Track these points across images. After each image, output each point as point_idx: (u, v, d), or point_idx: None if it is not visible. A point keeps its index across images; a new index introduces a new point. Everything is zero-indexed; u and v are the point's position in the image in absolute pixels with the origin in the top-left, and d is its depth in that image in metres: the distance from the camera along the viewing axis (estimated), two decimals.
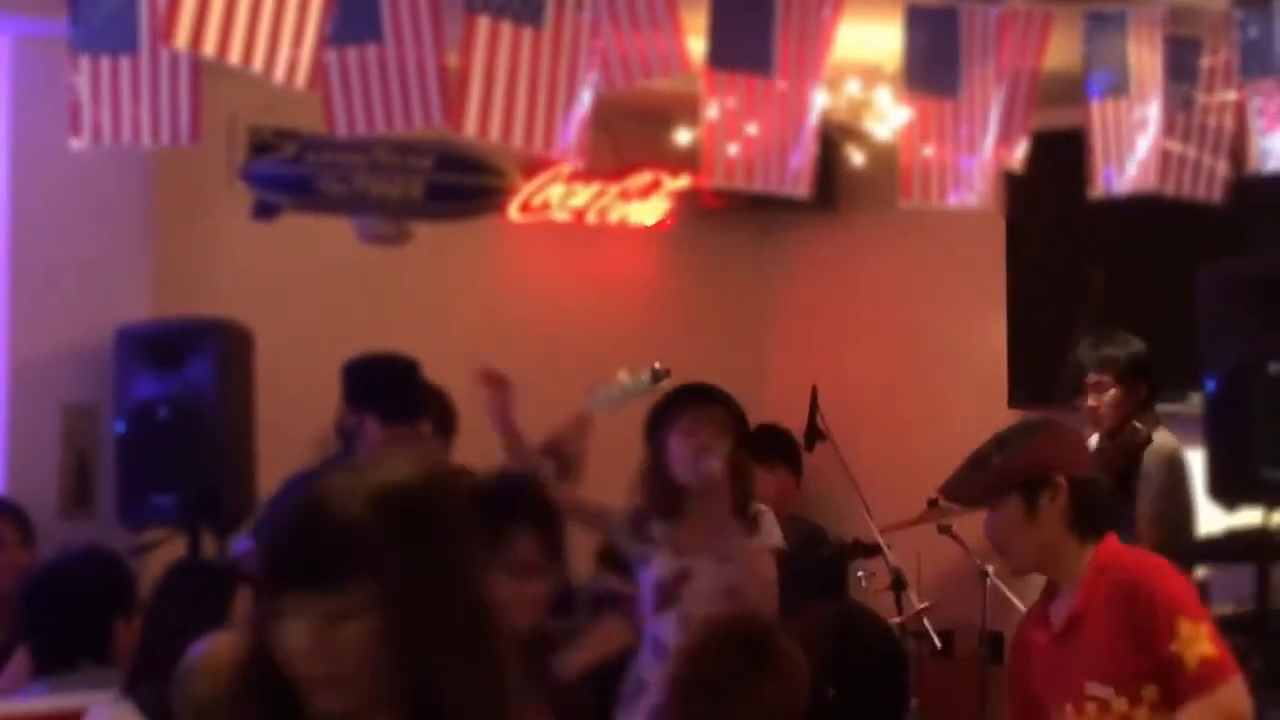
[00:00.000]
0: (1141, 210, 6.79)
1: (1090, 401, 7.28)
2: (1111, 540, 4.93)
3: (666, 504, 6.02)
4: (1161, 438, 7.18)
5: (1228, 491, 7.36)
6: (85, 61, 5.11)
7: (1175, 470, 7.12)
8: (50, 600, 5.31)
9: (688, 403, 6.04)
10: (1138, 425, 7.17)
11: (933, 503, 7.74)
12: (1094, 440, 7.20)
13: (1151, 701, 4.75)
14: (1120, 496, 6.83)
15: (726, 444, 5.91)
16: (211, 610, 4.61)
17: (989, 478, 4.90)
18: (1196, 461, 7.40)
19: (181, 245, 7.88)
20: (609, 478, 6.54)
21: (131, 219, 7.62)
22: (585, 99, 4.89)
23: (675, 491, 5.98)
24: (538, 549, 4.61)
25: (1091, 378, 7.29)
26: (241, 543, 6.80)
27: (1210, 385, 7.38)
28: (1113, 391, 7.22)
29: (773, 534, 5.98)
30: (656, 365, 6.70)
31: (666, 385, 6.62)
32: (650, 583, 6.02)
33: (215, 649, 4.00)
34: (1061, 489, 4.86)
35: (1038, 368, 8.41)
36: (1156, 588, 4.80)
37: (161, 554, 7.11)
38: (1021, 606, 7.08)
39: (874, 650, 4.49)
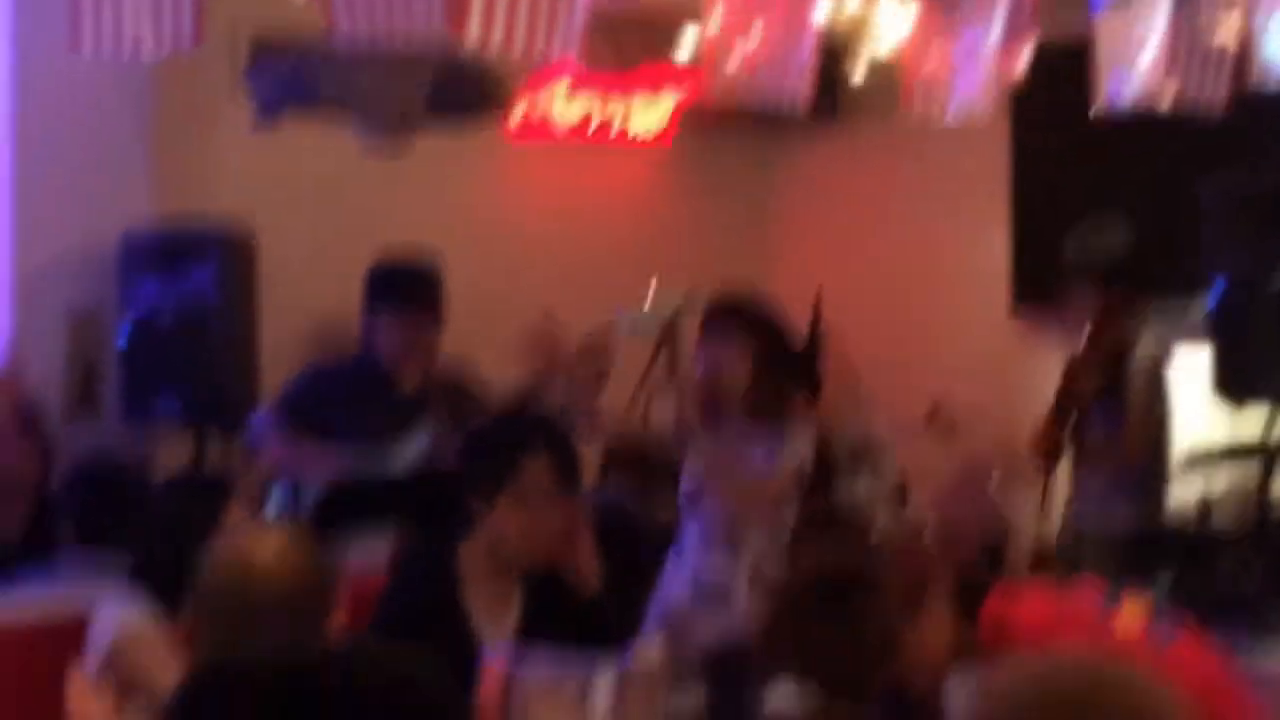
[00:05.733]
0: (1146, 121, 6.79)
1: (1073, 304, 7.26)
2: None
3: (704, 417, 5.86)
4: (1145, 347, 7.15)
5: (1234, 389, 7.37)
6: None
7: (1154, 386, 7.12)
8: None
9: (710, 318, 5.88)
10: (1126, 325, 7.13)
11: (931, 414, 7.74)
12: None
13: None
14: (1110, 403, 6.87)
15: (745, 360, 5.77)
16: (203, 524, 4.64)
17: None
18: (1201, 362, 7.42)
19: (184, 154, 7.88)
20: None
21: (132, 128, 7.61)
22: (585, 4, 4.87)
23: (711, 405, 5.83)
24: (551, 476, 4.53)
25: (1072, 282, 7.26)
26: (258, 418, 6.70)
27: (1213, 300, 7.40)
28: (1090, 293, 7.18)
29: (798, 454, 5.80)
30: (684, 290, 6.68)
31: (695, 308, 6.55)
32: (682, 492, 5.92)
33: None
34: None
35: (1040, 275, 8.41)
36: None
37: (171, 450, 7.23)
38: (1019, 517, 7.13)
39: None
